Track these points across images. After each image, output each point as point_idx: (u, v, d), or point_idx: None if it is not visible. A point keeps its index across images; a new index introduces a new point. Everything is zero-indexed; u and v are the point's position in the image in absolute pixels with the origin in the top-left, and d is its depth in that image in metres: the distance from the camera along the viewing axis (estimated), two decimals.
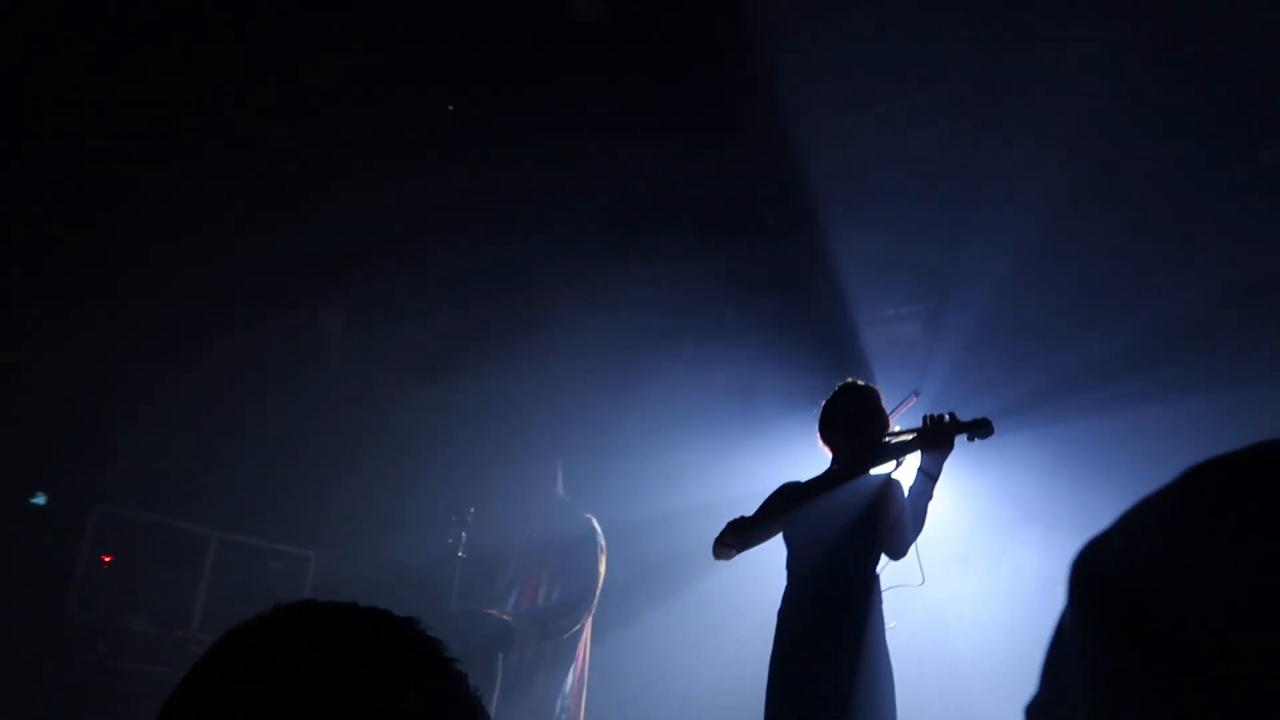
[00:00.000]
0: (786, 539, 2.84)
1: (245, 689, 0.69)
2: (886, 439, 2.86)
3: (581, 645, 3.95)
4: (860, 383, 2.98)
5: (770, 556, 3.12)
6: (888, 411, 2.93)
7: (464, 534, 3.97)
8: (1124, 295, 3.88)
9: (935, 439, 2.67)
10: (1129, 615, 0.60)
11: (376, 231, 4.00)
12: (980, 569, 4.39)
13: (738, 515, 2.89)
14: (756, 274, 4.43)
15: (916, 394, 2.96)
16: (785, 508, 2.81)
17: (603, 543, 4.03)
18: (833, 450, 2.94)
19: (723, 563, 2.93)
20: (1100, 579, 0.63)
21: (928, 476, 2.69)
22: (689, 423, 4.64)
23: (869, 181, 3.64)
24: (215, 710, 0.69)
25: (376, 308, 4.41)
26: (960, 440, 2.72)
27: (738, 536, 2.77)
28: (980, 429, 2.65)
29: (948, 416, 2.70)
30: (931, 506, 2.73)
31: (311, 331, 4.53)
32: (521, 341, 4.55)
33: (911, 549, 2.73)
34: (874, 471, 2.85)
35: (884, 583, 2.76)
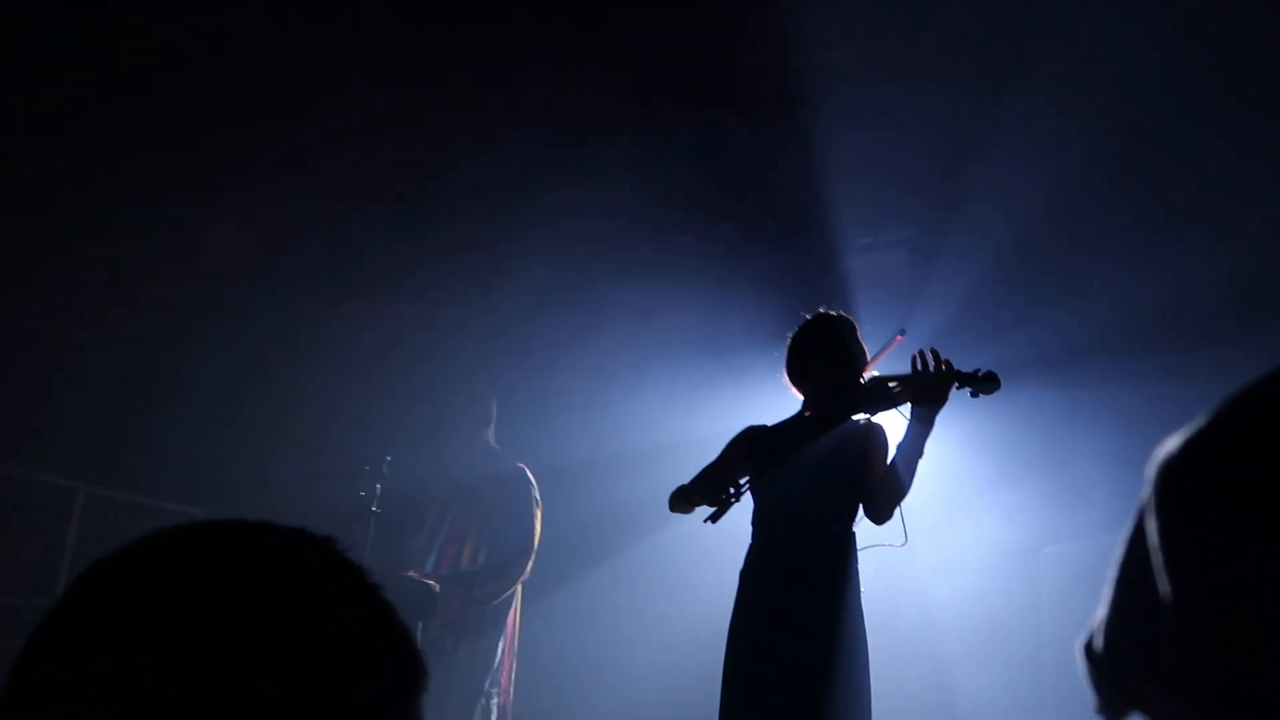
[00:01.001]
0: (751, 492, 2.82)
1: (131, 621, 0.65)
2: (868, 381, 2.82)
3: (511, 613, 3.96)
4: (834, 313, 2.95)
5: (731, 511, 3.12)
6: (869, 352, 2.91)
7: (378, 486, 3.90)
8: (1140, 256, 4.02)
9: (928, 389, 2.62)
10: (1241, 506, 0.64)
11: (273, 144, 3.91)
12: (964, 528, 4.45)
13: (699, 465, 2.92)
14: (720, 195, 4.40)
15: (903, 333, 2.93)
16: (746, 457, 2.81)
17: (538, 495, 4.03)
18: (803, 393, 2.92)
19: (678, 516, 2.96)
20: (1198, 478, 0.68)
21: (918, 431, 2.64)
22: (643, 362, 4.66)
23: (849, 78, 3.59)
24: (96, 649, 0.64)
25: (278, 223, 4.30)
26: (955, 393, 2.68)
27: (696, 491, 2.78)
28: (984, 384, 2.59)
29: (943, 365, 2.65)
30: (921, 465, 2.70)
31: (197, 251, 4.42)
32: (453, 268, 4.52)
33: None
34: (855, 417, 2.83)
35: (860, 541, 2.78)
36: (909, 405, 2.69)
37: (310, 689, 0.65)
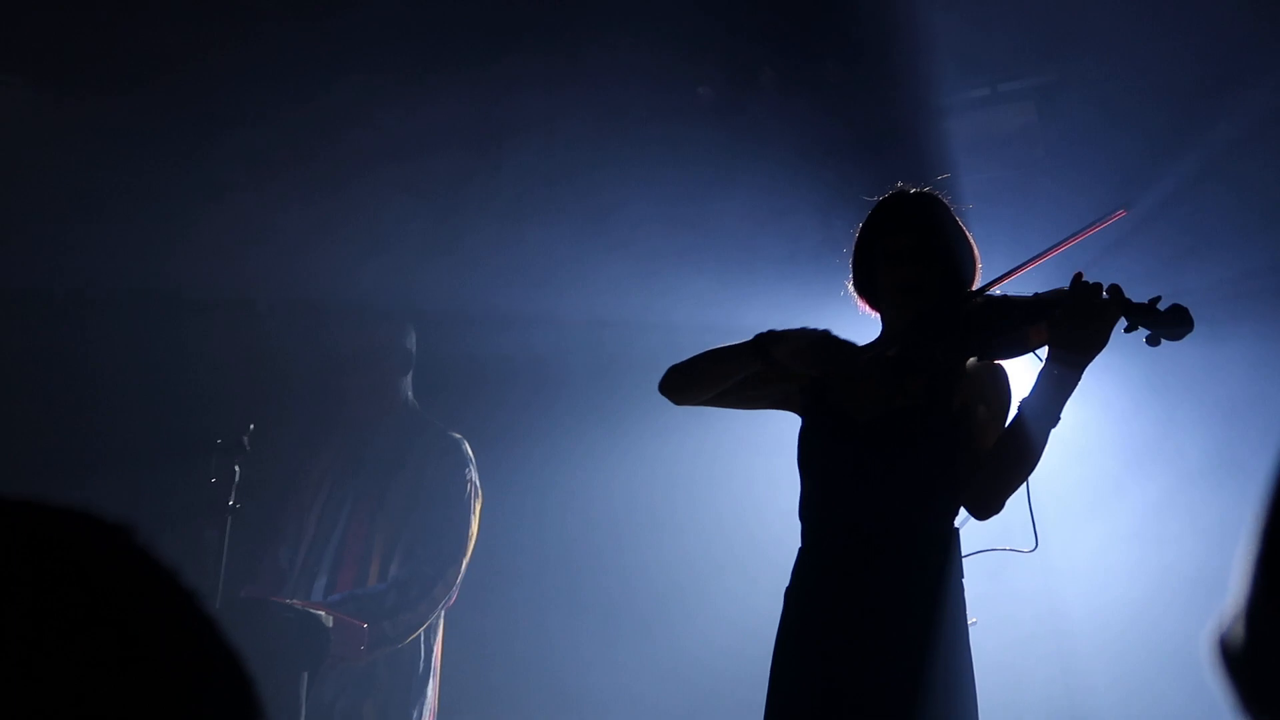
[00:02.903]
0: (806, 466, 2.80)
1: None
2: (988, 302, 2.72)
3: (437, 648, 4.03)
4: (932, 191, 2.91)
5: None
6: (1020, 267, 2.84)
7: (237, 469, 3.79)
8: None
9: (1080, 323, 2.53)
10: None
11: None
12: (1112, 523, 4.48)
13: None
14: (754, 26, 4.33)
15: (1125, 209, 2.88)
16: (812, 373, 2.78)
17: (476, 478, 4.06)
18: (882, 314, 2.86)
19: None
20: None
21: (1059, 384, 2.59)
22: (636, 276, 4.64)
23: None
24: None
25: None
26: (1123, 336, 2.61)
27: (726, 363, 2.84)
28: (1167, 323, 2.53)
29: (1103, 291, 2.55)
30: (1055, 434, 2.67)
31: None
32: (346, 132, 4.45)
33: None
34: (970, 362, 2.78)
35: (967, 544, 2.76)
36: (1045, 346, 2.63)
37: None
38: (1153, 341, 2.58)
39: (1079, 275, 2.58)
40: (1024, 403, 2.63)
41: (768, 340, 2.74)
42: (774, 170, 4.57)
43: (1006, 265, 2.90)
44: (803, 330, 2.76)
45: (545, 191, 4.78)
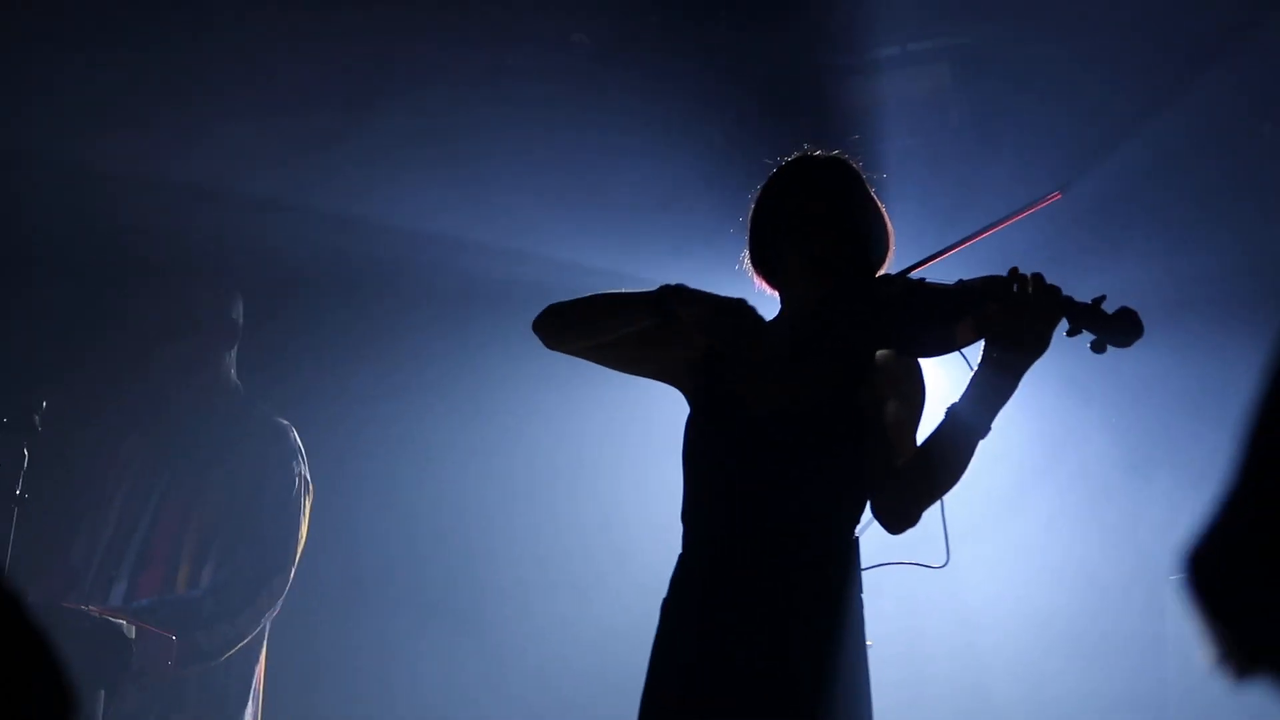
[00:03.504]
0: (691, 462, 2.75)
1: None
2: (910, 288, 2.72)
3: (259, 669, 4.00)
4: (843, 156, 2.88)
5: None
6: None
7: (25, 451, 3.71)
8: None
9: (1019, 321, 2.51)
10: None
11: None
12: (1043, 537, 4.63)
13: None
14: None
15: (1061, 192, 3.04)
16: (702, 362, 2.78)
17: (307, 471, 4.03)
18: (782, 292, 2.84)
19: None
20: None
21: (993, 389, 2.58)
22: (506, 246, 4.73)
23: None
24: None
25: None
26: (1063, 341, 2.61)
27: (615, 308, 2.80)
28: (1117, 330, 2.52)
29: (1043, 290, 2.56)
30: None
31: None
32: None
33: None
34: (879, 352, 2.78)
35: (868, 557, 2.78)
36: (970, 346, 2.63)
37: None
38: (1098, 348, 2.54)
39: (1015, 270, 2.55)
40: (952, 410, 2.61)
41: (674, 298, 2.67)
42: (658, 133, 4.59)
43: (917, 244, 2.90)
44: (716, 295, 2.70)
45: (414, 153, 4.78)
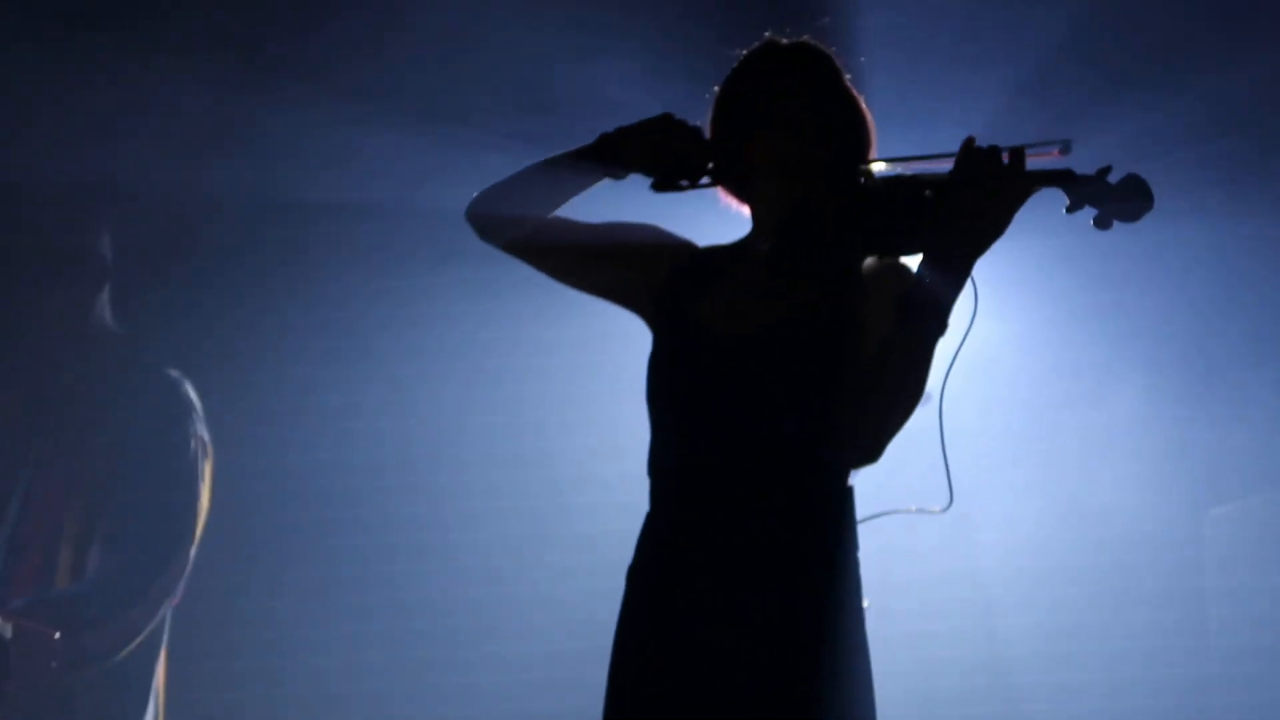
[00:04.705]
0: (656, 401, 2.68)
1: None
2: (889, 184, 2.70)
3: (158, 671, 3.90)
4: (815, 42, 2.81)
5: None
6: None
7: None
8: None
9: (974, 205, 2.50)
10: None
11: None
12: (1061, 477, 4.72)
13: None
14: None
15: (1063, 148, 2.72)
16: (645, 265, 2.77)
17: (204, 431, 3.92)
18: (752, 204, 2.79)
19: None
20: None
21: (942, 281, 2.56)
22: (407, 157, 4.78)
23: None
24: None
25: None
26: (1043, 207, 2.59)
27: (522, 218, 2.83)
28: (1117, 198, 2.50)
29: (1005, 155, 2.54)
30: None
31: None
32: None
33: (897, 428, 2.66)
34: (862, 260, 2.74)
35: (864, 506, 2.75)
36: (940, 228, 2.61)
37: None
38: (1102, 223, 2.49)
39: (970, 140, 2.48)
40: (900, 305, 2.55)
41: (613, 143, 2.70)
42: (587, 17, 4.67)
43: (901, 140, 2.83)
44: (644, 122, 2.69)
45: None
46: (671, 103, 4.06)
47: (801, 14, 3.53)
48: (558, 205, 2.73)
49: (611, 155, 2.68)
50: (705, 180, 2.75)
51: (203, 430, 3.90)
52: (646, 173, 2.69)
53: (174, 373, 3.93)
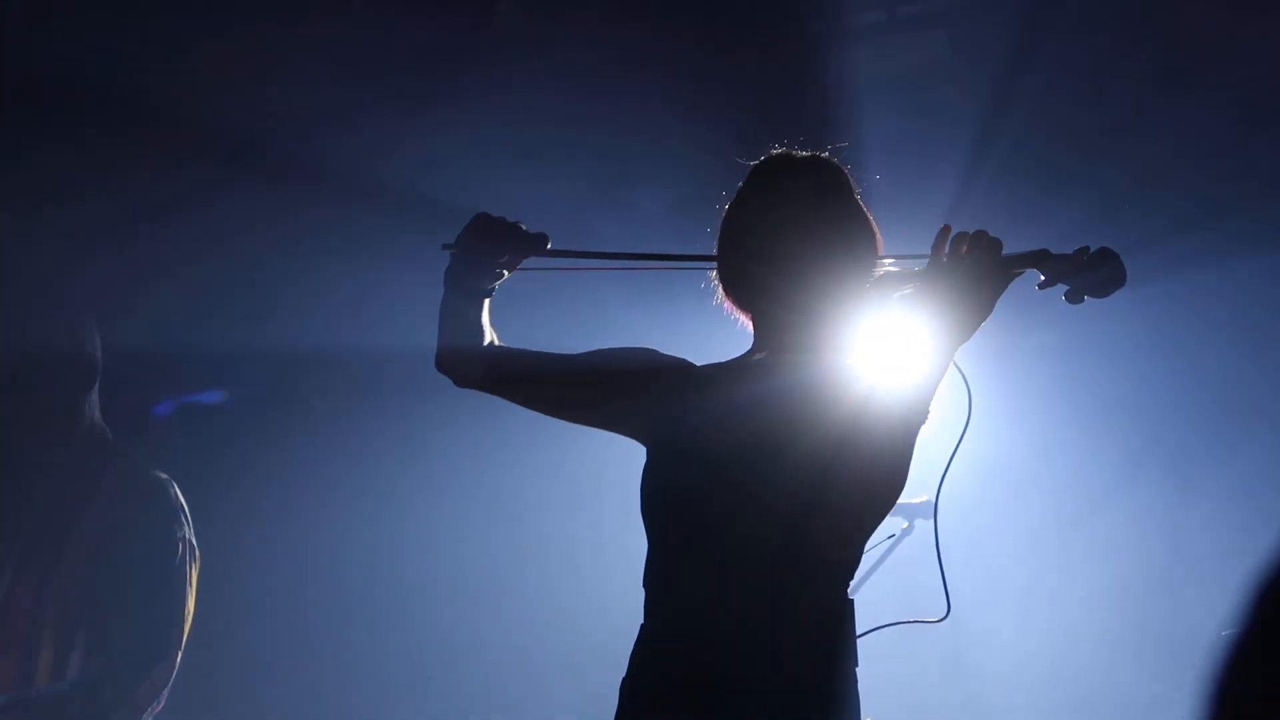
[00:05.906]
0: (647, 517, 2.71)
1: None
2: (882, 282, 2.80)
3: None
4: (823, 156, 2.85)
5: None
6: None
7: None
8: None
9: (961, 292, 2.55)
10: None
11: None
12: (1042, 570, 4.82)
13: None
14: None
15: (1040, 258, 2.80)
16: (629, 395, 2.83)
17: (191, 535, 3.91)
18: (755, 317, 2.81)
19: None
20: None
21: (929, 368, 2.60)
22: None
23: None
24: None
25: None
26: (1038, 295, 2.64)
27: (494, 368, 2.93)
28: (1087, 274, 2.54)
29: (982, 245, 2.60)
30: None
31: None
32: None
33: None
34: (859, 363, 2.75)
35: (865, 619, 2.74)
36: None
37: None
38: (1073, 298, 2.56)
39: (946, 228, 2.54)
40: (886, 390, 2.56)
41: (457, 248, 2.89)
42: (601, 126, 4.71)
43: (905, 239, 2.84)
44: (468, 226, 2.89)
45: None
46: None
47: (806, 121, 3.82)
48: (472, 326, 2.85)
49: (455, 254, 2.81)
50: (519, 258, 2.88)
51: (189, 534, 3.88)
52: (475, 243, 2.83)
53: (161, 475, 3.91)
